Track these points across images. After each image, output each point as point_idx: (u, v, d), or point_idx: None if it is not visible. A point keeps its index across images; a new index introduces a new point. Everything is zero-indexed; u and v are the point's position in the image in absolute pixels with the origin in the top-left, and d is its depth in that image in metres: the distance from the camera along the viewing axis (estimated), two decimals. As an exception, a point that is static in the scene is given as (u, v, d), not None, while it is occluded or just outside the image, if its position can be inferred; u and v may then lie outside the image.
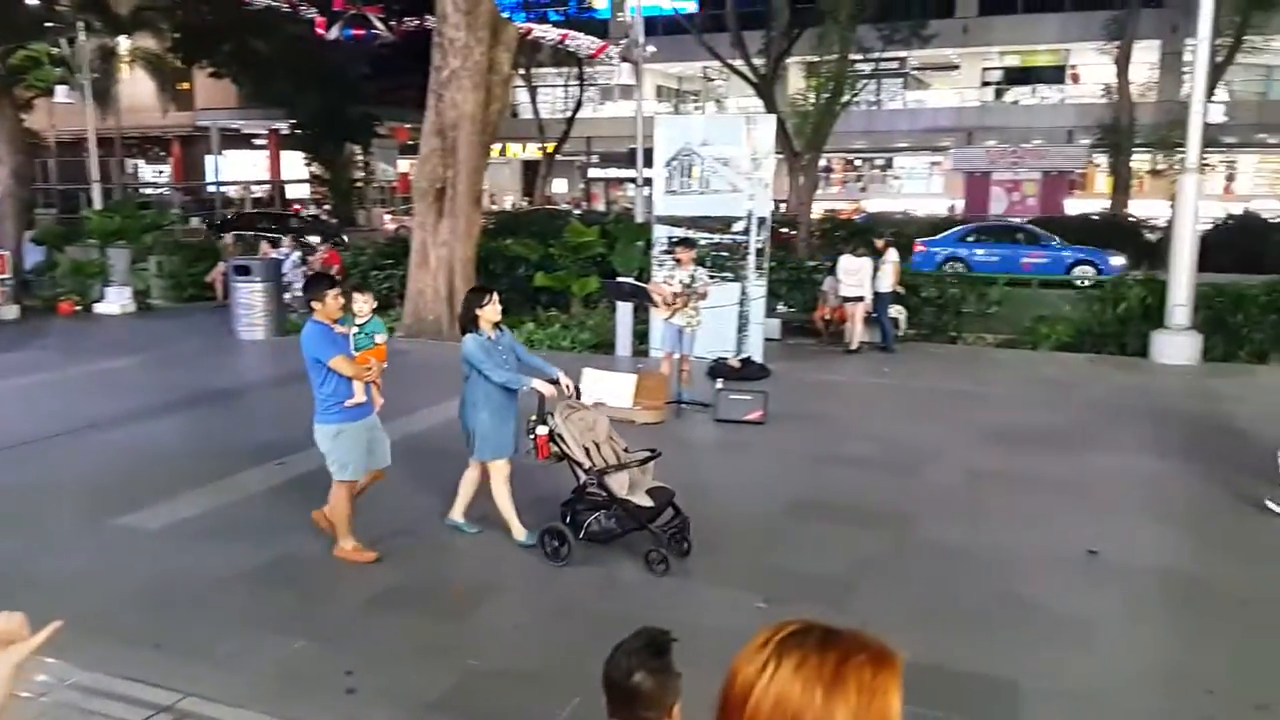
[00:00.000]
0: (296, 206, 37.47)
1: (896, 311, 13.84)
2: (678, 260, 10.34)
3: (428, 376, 10.57)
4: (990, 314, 14.72)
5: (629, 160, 30.67)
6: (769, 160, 12.55)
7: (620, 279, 12.74)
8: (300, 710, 4.40)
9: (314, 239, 25.22)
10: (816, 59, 24.37)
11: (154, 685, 4.49)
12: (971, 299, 14.67)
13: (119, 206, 21.89)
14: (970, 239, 23.21)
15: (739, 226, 12.27)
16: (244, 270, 14.76)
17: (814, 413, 10.08)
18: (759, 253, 12.30)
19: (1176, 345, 12.47)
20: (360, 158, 35.99)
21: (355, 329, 6.51)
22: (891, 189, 44.81)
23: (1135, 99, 31.83)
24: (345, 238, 26.51)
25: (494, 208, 37.82)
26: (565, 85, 40.90)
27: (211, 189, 41.48)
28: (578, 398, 6.24)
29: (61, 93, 30.52)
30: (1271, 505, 6.95)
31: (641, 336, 12.90)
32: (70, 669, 4.52)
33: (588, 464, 5.86)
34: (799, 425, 9.48)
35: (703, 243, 11.88)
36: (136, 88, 35.58)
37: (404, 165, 40.69)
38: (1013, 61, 41.49)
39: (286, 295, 15.57)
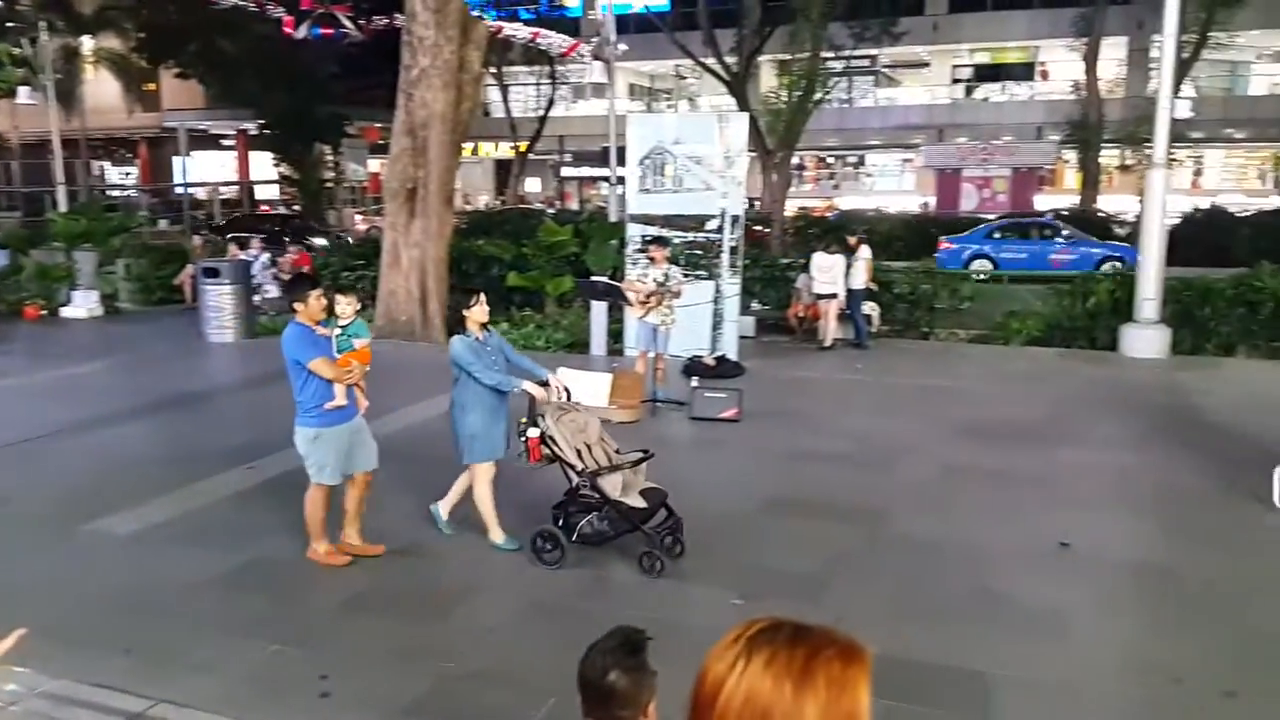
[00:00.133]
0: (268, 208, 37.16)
1: (870, 308, 13.92)
2: (651, 259, 10.32)
3: (401, 378, 10.53)
4: (962, 310, 14.90)
5: (602, 159, 30.71)
6: (742, 158, 12.57)
7: (594, 278, 12.73)
8: (274, 715, 4.37)
9: (320, 240, 25.06)
10: (788, 57, 24.42)
11: (125, 692, 4.44)
12: (944, 295, 14.83)
13: (85, 209, 21.53)
14: (997, 236, 23.21)
15: (712, 225, 12.29)
16: (213, 273, 14.60)
17: (789, 410, 10.12)
18: (732, 251, 12.32)
19: (1145, 339, 12.62)
20: (330, 158, 35.68)
21: (338, 331, 6.45)
22: (864, 186, 45.14)
23: (1103, 95, 32.27)
24: (349, 238, 26.13)
25: (467, 207, 37.62)
26: (537, 84, 40.76)
27: (179, 190, 41.01)
28: (568, 399, 6.20)
29: (24, 94, 30.13)
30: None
31: (616, 335, 12.90)
32: (39, 677, 4.45)
33: (580, 466, 5.81)
34: (774, 422, 9.52)
35: (676, 241, 11.91)
36: (101, 88, 35.13)
37: (374, 165, 40.40)
38: (982, 59, 41.88)
39: (256, 297, 15.43)
